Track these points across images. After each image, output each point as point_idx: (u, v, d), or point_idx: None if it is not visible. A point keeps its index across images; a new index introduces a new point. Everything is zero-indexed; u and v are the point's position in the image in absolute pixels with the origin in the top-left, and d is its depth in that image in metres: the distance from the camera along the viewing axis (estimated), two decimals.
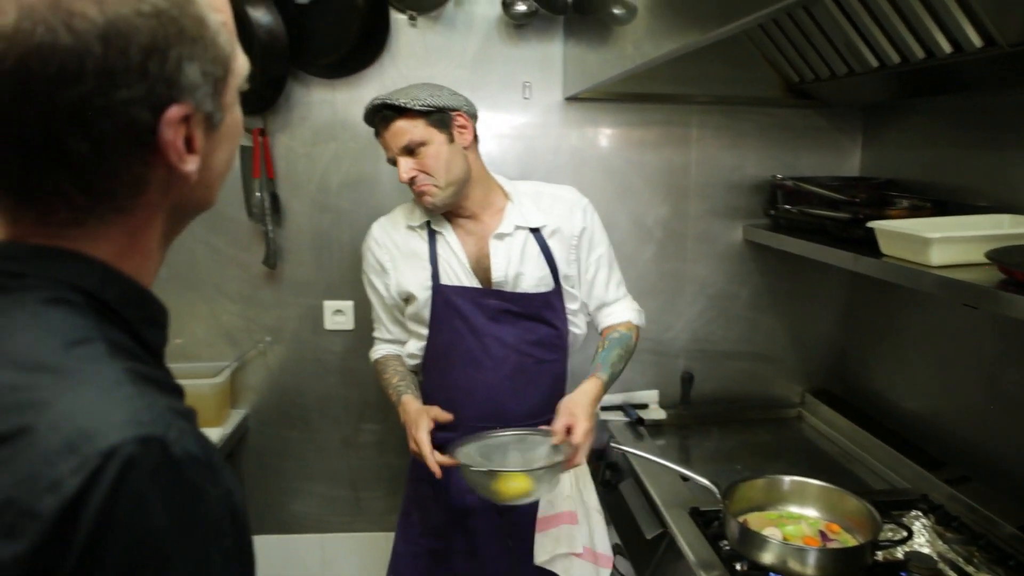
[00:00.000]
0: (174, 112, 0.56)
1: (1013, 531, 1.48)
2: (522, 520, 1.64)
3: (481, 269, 1.62)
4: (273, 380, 2.15)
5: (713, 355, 2.26)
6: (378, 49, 1.96)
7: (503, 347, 1.62)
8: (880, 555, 1.44)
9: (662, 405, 2.22)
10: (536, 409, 1.65)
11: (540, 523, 1.64)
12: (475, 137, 1.60)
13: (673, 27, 1.31)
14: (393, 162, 1.56)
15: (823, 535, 1.47)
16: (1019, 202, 1.56)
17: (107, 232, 0.58)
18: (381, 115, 1.53)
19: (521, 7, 1.91)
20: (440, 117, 1.53)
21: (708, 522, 1.57)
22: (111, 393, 0.51)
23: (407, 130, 1.51)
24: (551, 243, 1.64)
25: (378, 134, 1.57)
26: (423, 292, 1.62)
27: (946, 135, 1.84)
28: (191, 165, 0.59)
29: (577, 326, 1.73)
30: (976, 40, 1.33)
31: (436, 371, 1.68)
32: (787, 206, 1.99)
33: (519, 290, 1.62)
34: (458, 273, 1.62)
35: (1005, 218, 1.49)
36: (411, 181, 1.54)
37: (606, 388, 1.62)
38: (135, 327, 0.60)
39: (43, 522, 0.45)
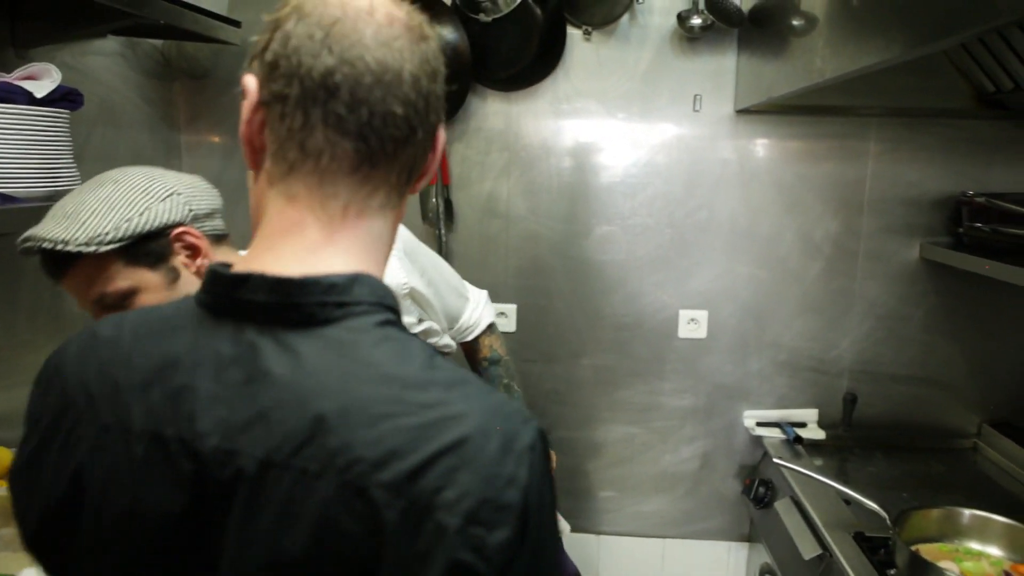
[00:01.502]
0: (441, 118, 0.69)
1: None
2: None
3: None
4: None
5: (880, 378, 2.16)
6: (553, 63, 2.04)
7: None
8: None
9: (821, 425, 2.15)
10: None
11: None
12: (218, 238, 1.10)
13: (859, 40, 1.29)
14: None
15: None
16: None
17: (385, 227, 0.67)
18: (45, 264, 0.99)
19: (696, 20, 1.93)
20: (147, 249, 1.01)
21: (874, 548, 1.52)
22: (493, 396, 0.61)
23: (95, 278, 0.99)
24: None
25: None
26: None
27: None
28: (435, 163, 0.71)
29: None
30: None
31: None
32: (976, 224, 1.87)
33: None
34: None
35: None
36: None
37: None
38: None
39: (513, 510, 0.55)
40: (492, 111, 2.11)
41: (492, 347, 1.63)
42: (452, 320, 1.54)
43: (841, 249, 2.11)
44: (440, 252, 2.13)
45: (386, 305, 0.64)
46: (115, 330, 0.67)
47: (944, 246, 2.00)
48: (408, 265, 1.34)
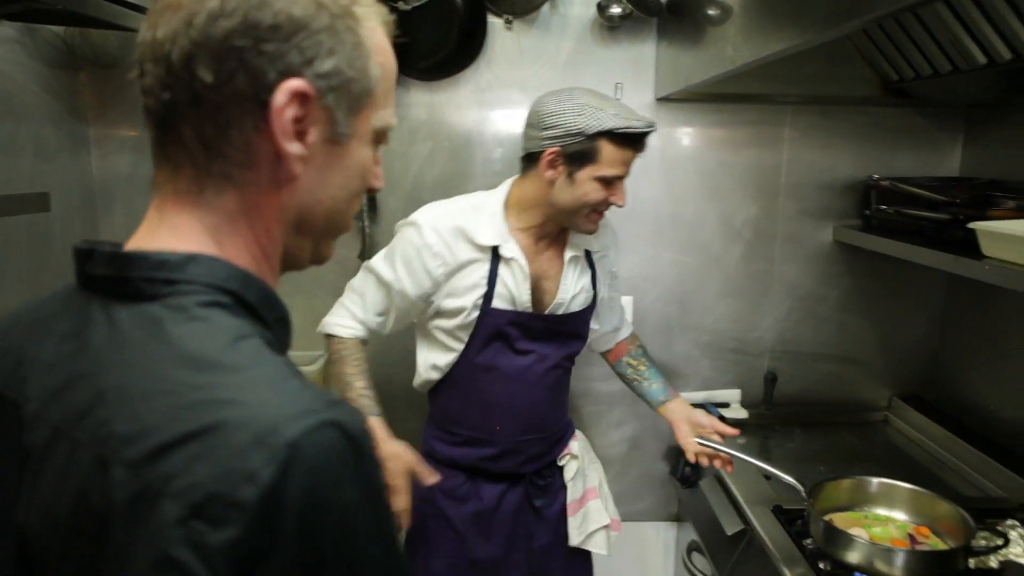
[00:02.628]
0: (294, 83, 0.60)
1: None
2: (551, 514, 1.74)
3: (539, 291, 1.59)
4: None
5: (799, 356, 2.25)
6: (475, 52, 2.03)
7: (545, 363, 1.63)
8: (972, 563, 1.42)
9: (744, 405, 2.22)
10: (561, 415, 1.75)
11: (571, 508, 1.74)
12: None
13: (769, 27, 1.33)
14: (615, 178, 1.47)
15: (912, 538, 1.46)
16: None
17: (228, 215, 0.64)
18: (645, 140, 1.48)
19: (615, 9, 1.95)
20: None
21: (792, 520, 1.58)
22: (282, 386, 0.56)
23: None
24: (596, 267, 1.69)
25: (626, 146, 1.45)
26: (470, 312, 1.55)
27: None
28: (293, 147, 0.62)
29: None
30: None
31: (471, 386, 1.62)
32: (883, 207, 1.96)
33: (570, 311, 1.64)
34: (514, 297, 1.55)
35: None
36: (608, 206, 1.51)
37: None
38: (271, 326, 0.65)
39: (247, 510, 0.49)
40: (414, 101, 2.09)
41: (639, 339, 1.89)
42: (615, 325, 1.84)
43: (760, 233, 2.17)
44: (364, 246, 2.11)
45: (224, 289, 0.61)
46: (35, 299, 0.70)
47: (855, 229, 2.09)
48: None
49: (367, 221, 2.10)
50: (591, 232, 1.56)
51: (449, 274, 1.53)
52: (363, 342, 1.66)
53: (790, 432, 2.19)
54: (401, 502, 1.47)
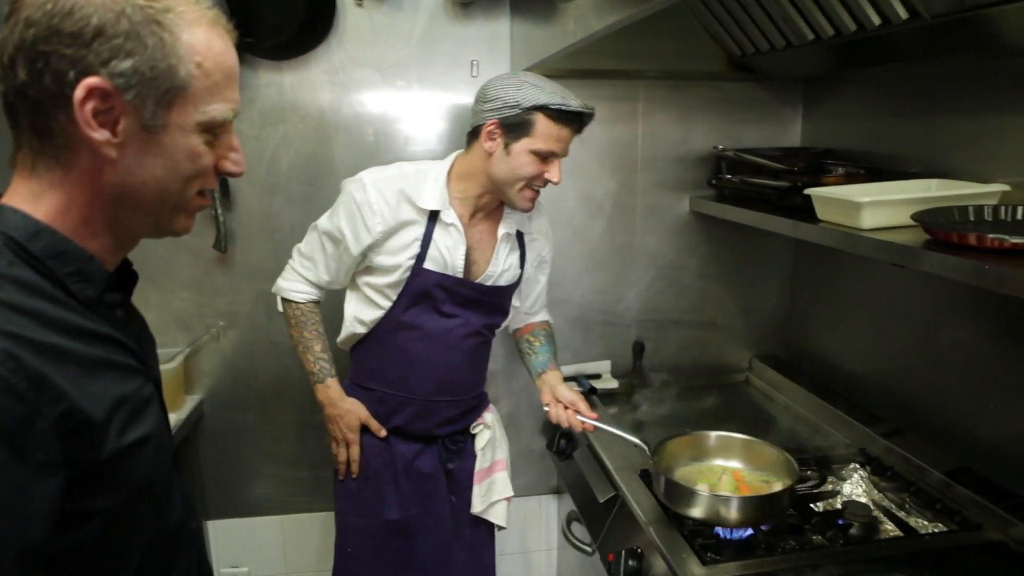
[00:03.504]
0: (90, 80, 0.71)
1: (940, 477, 1.57)
2: (462, 476, 1.83)
3: (469, 260, 1.67)
4: (227, 365, 2.15)
5: (664, 324, 2.32)
6: (324, 30, 1.95)
7: (468, 329, 1.71)
8: (820, 506, 1.52)
9: (614, 375, 2.28)
10: (478, 382, 1.83)
11: (477, 476, 1.83)
12: None
13: (614, 1, 1.34)
14: (550, 155, 1.56)
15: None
16: (949, 167, 1.63)
17: (52, 186, 0.75)
18: (583, 121, 1.58)
19: None
20: None
21: None
22: None
23: None
24: (527, 248, 1.78)
25: (562, 124, 1.55)
26: (400, 270, 1.62)
27: (881, 105, 1.91)
28: (98, 135, 0.72)
29: None
30: (902, 12, 1.39)
31: (393, 344, 1.69)
32: (729, 176, 2.05)
33: (497, 284, 1.72)
34: (447, 261, 1.63)
35: (933, 182, 1.56)
36: (545, 184, 1.60)
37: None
38: (62, 279, 0.74)
39: None
40: (264, 82, 1.99)
41: (549, 326, 1.96)
42: (535, 308, 1.92)
43: (620, 207, 2.22)
44: (219, 233, 2.00)
45: (8, 236, 0.73)
46: None
47: (709, 199, 2.17)
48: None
49: (220, 210, 1.99)
50: (525, 210, 1.65)
51: (387, 232, 1.60)
52: (317, 304, 1.76)
53: (659, 399, 2.25)
54: (354, 452, 1.73)
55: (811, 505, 1.53)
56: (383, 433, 1.73)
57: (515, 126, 1.53)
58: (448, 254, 1.63)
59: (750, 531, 1.43)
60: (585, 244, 2.22)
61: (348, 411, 1.72)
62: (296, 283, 1.73)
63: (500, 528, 1.88)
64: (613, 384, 2.23)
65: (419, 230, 1.61)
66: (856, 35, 1.55)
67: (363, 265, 1.66)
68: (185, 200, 0.81)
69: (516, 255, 1.76)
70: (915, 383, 1.80)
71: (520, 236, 1.77)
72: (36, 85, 0.71)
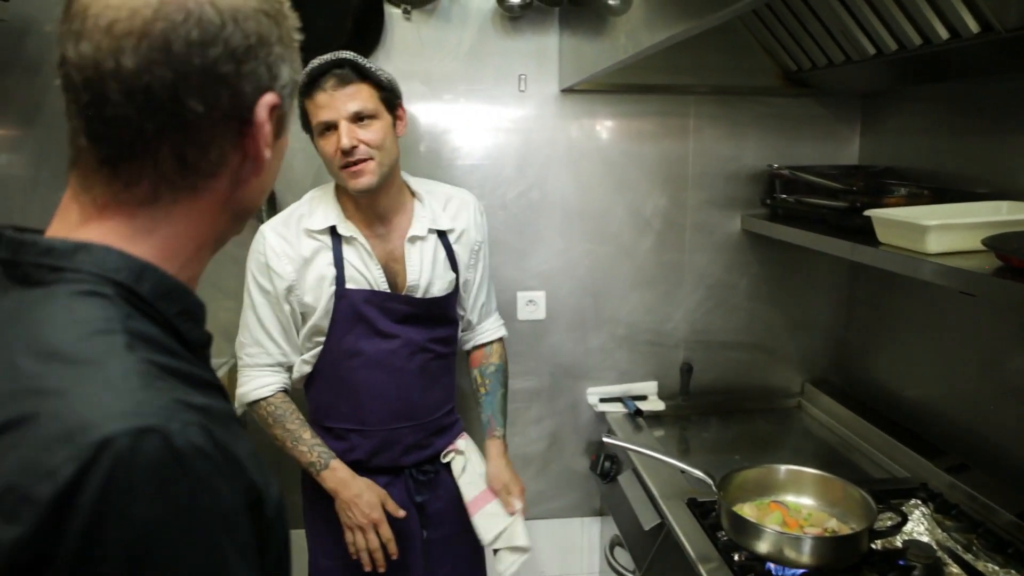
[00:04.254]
0: (270, 98, 0.63)
1: (1012, 518, 1.48)
2: (435, 509, 1.71)
3: (391, 273, 1.59)
4: None
5: (712, 346, 2.26)
6: (373, 44, 1.95)
7: (411, 346, 1.61)
8: (879, 544, 1.44)
9: (661, 396, 2.22)
10: (439, 402, 1.70)
11: (472, 505, 1.70)
12: None
13: (668, 15, 1.30)
14: (325, 128, 1.47)
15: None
16: (1018, 188, 1.55)
17: (171, 215, 0.63)
18: (338, 72, 1.44)
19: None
20: (390, 98, 1.51)
21: (705, 513, 1.57)
22: (118, 384, 0.52)
23: (362, 97, 1.45)
24: (456, 248, 1.67)
25: (313, 93, 1.46)
26: (324, 300, 1.55)
27: (945, 122, 1.83)
28: (269, 154, 0.65)
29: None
30: (973, 25, 1.32)
31: (334, 376, 1.61)
32: (784, 195, 1.98)
33: (429, 295, 1.63)
34: (367, 278, 1.56)
35: (1003, 204, 1.48)
36: (350, 152, 1.45)
37: (505, 439, 1.73)
38: (172, 321, 0.62)
39: (39, 508, 0.46)
40: None
41: (501, 355, 1.82)
42: (481, 314, 1.78)
43: (670, 223, 2.17)
44: None
45: (112, 279, 0.59)
46: None
47: (761, 217, 2.11)
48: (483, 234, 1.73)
49: (266, 219, 1.99)
50: (357, 188, 1.50)
51: (298, 271, 1.55)
52: (286, 391, 1.64)
53: (706, 422, 2.20)
54: (385, 531, 1.54)
55: (871, 544, 1.46)
56: (401, 513, 1.57)
57: (304, 120, 1.52)
58: (365, 269, 1.56)
59: (803, 570, 1.36)
60: (632, 261, 2.17)
61: (365, 489, 1.55)
62: (256, 379, 1.61)
63: (526, 550, 1.73)
64: (660, 406, 2.17)
65: (329, 255, 1.55)
66: (921, 50, 1.48)
67: (296, 311, 1.58)
68: None
69: (444, 259, 1.65)
70: (981, 416, 1.71)
71: (444, 237, 1.65)
72: (212, 113, 0.60)
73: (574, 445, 2.28)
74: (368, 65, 1.48)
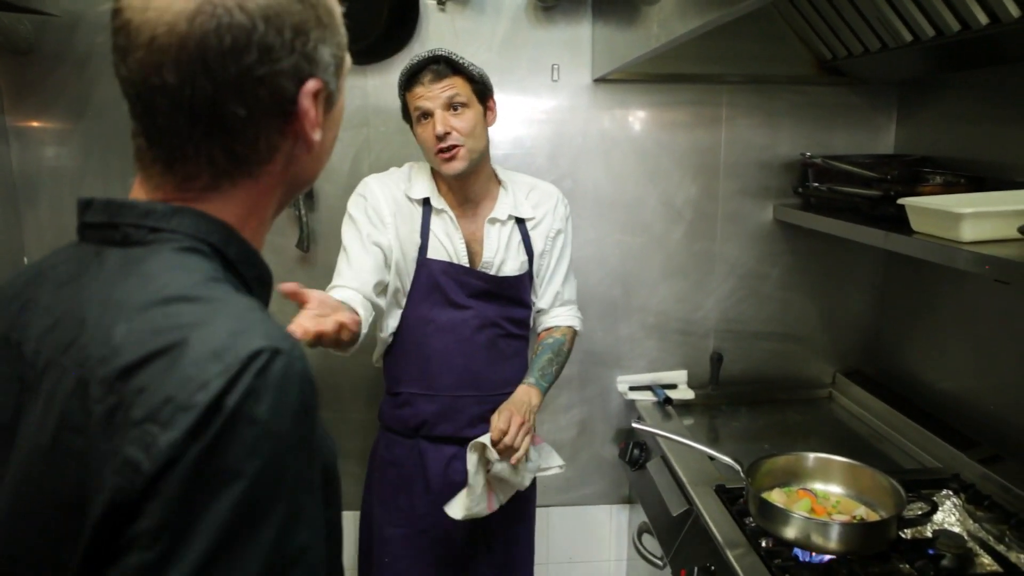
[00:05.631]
0: (311, 85, 0.66)
1: None
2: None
3: (471, 252, 1.69)
4: None
5: (743, 335, 2.26)
6: (408, 35, 1.98)
7: (482, 319, 1.69)
8: (908, 533, 1.44)
9: (691, 385, 2.22)
10: (507, 379, 1.72)
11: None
12: None
13: (700, 4, 1.31)
14: (422, 116, 1.58)
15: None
16: None
17: (234, 197, 0.68)
18: (434, 68, 1.56)
19: None
20: (483, 90, 1.62)
21: (733, 499, 1.59)
22: (246, 315, 0.60)
23: (456, 87, 1.57)
24: (532, 234, 1.74)
25: (412, 87, 1.58)
26: (409, 262, 1.65)
27: (983, 110, 1.81)
28: (319, 135, 0.68)
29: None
30: (1014, 9, 1.30)
31: (412, 342, 1.70)
32: (816, 184, 1.97)
33: (502, 274, 1.70)
34: (449, 251, 1.66)
35: None
36: (444, 137, 1.56)
37: (542, 391, 1.69)
38: (249, 283, 0.69)
39: (194, 414, 0.52)
40: (348, 86, 2.01)
41: (566, 335, 1.80)
42: (553, 302, 1.80)
43: (701, 213, 2.17)
44: (302, 233, 2.06)
45: (206, 240, 0.65)
46: (46, 254, 0.74)
47: (794, 207, 2.10)
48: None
49: (304, 209, 2.05)
50: (449, 172, 1.59)
51: (394, 214, 1.65)
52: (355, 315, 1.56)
53: (736, 411, 2.20)
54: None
55: (899, 532, 1.45)
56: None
57: (404, 110, 1.65)
58: (448, 242, 1.66)
59: (831, 556, 1.36)
60: (663, 250, 2.18)
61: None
62: (338, 292, 1.57)
63: (561, 467, 1.74)
64: (690, 395, 2.18)
65: (418, 220, 1.66)
66: (959, 36, 1.46)
67: (386, 257, 1.64)
68: None
69: (518, 243, 1.72)
70: (1016, 406, 1.69)
71: (522, 224, 1.72)
72: (255, 114, 0.63)
73: (603, 433, 2.29)
74: (461, 60, 1.58)
